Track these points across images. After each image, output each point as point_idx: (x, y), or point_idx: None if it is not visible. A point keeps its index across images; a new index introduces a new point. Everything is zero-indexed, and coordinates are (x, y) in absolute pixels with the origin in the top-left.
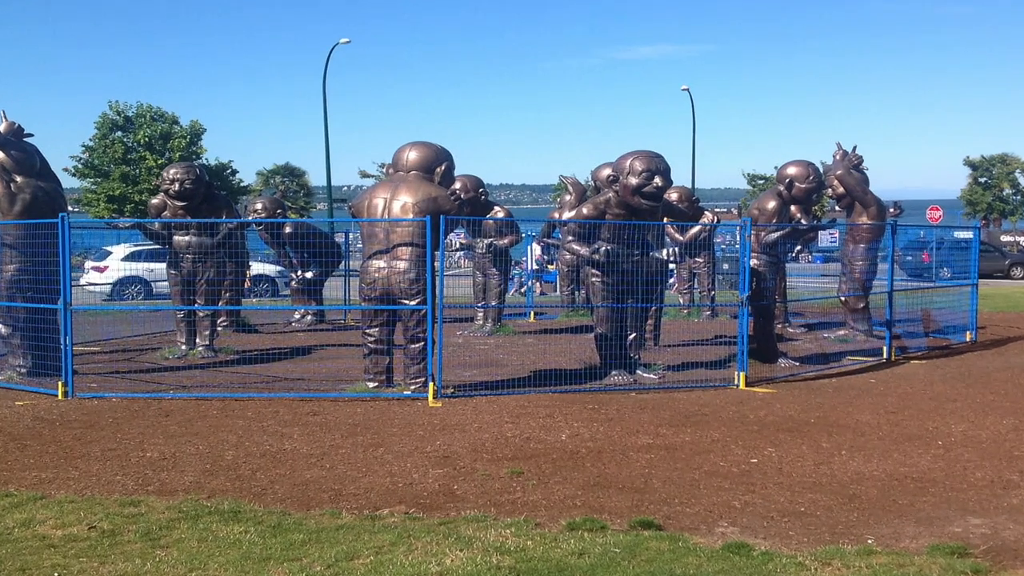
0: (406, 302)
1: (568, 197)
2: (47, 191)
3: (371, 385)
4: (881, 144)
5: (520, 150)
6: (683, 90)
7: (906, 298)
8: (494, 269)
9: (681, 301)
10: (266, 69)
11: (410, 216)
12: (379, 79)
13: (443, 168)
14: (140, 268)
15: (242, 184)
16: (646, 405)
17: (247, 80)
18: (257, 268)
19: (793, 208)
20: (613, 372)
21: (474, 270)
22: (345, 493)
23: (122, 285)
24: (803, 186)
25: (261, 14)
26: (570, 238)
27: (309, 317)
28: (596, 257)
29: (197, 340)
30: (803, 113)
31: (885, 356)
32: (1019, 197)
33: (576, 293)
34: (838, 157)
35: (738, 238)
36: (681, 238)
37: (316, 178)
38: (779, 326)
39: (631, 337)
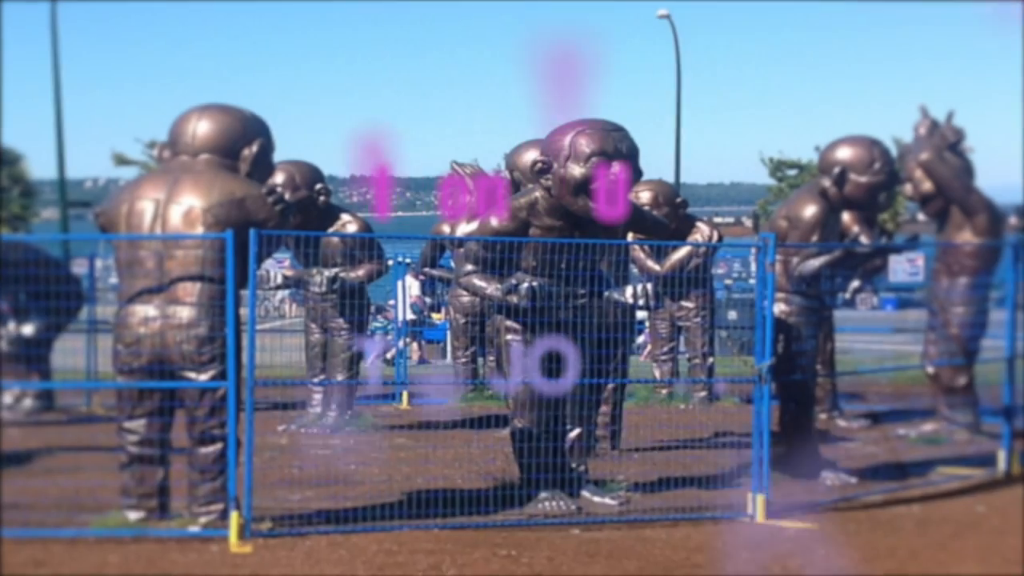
0: (192, 375)
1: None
2: None
3: (133, 516)
4: (995, 108)
5: (387, 122)
6: (660, 17)
7: None
8: (341, 320)
9: (657, 374)
10: None
11: (199, 230)
12: (149, 4)
13: (255, 149)
14: None
15: None
16: (599, 549)
17: None
18: None
19: (847, 217)
20: (543, 494)
21: (307, 321)
22: None
23: None
24: (863, 179)
25: None
26: (469, 267)
27: (28, 401)
28: (513, 300)
29: None
30: (862, 63)
31: (1003, 467)
32: None
33: (479, 360)
34: (923, 132)
35: (754, 267)
36: (658, 268)
37: (41, 167)
38: (823, 416)
39: (573, 435)
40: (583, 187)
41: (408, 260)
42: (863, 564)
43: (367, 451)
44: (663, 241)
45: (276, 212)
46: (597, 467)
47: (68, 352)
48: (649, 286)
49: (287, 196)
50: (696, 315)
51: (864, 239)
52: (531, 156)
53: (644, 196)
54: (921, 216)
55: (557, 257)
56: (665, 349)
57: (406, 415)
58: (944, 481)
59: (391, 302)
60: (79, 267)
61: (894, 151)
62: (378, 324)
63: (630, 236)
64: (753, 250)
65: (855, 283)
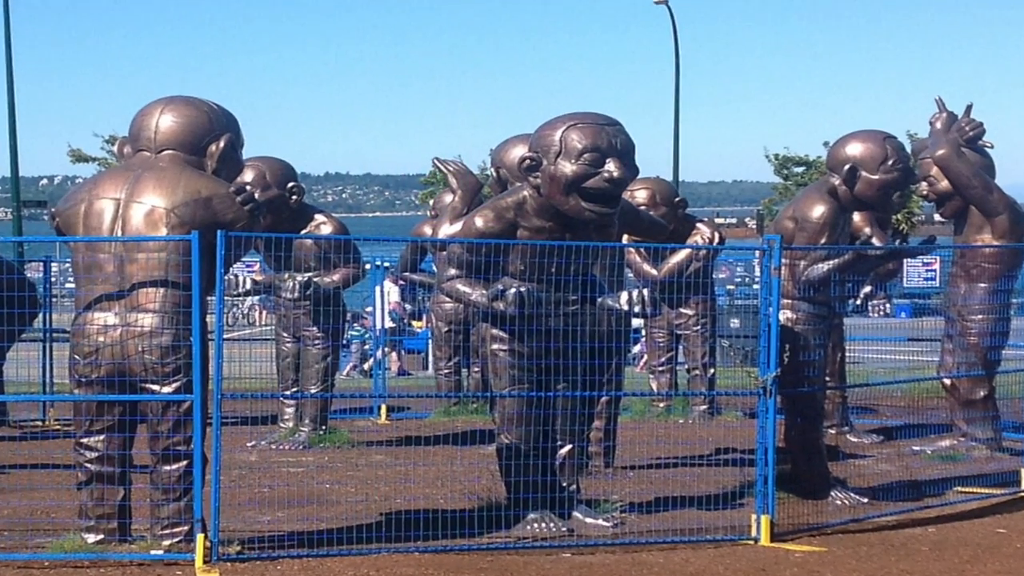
0: (154, 388)
1: (450, 198)
2: None
3: (92, 539)
4: (1016, 101)
5: (365, 117)
6: (658, 4)
7: None
8: (315, 328)
9: (654, 387)
10: None
11: (163, 231)
12: None
13: (222, 144)
14: None
15: None
16: (591, 574)
17: None
18: None
19: (857, 218)
20: (532, 515)
21: (279, 330)
22: None
23: None
24: (875, 177)
25: None
26: (453, 272)
27: None
28: (499, 306)
29: None
30: (874, 52)
31: None
32: None
33: (463, 371)
34: (939, 126)
35: (758, 271)
36: (655, 272)
37: None
38: (832, 432)
39: (564, 452)
40: (575, 185)
41: (387, 264)
42: None
43: (343, 469)
44: (661, 243)
45: (245, 212)
46: (590, 486)
47: (22, 363)
48: (646, 292)
49: (257, 195)
50: (696, 323)
51: (876, 241)
52: (519, 152)
53: (640, 195)
54: (938, 217)
55: (547, 260)
56: (663, 359)
57: (384, 430)
58: (962, 501)
59: (368, 309)
60: (34, 271)
61: (908, 147)
62: (355, 333)
63: (625, 238)
64: (757, 253)
65: (867, 288)
